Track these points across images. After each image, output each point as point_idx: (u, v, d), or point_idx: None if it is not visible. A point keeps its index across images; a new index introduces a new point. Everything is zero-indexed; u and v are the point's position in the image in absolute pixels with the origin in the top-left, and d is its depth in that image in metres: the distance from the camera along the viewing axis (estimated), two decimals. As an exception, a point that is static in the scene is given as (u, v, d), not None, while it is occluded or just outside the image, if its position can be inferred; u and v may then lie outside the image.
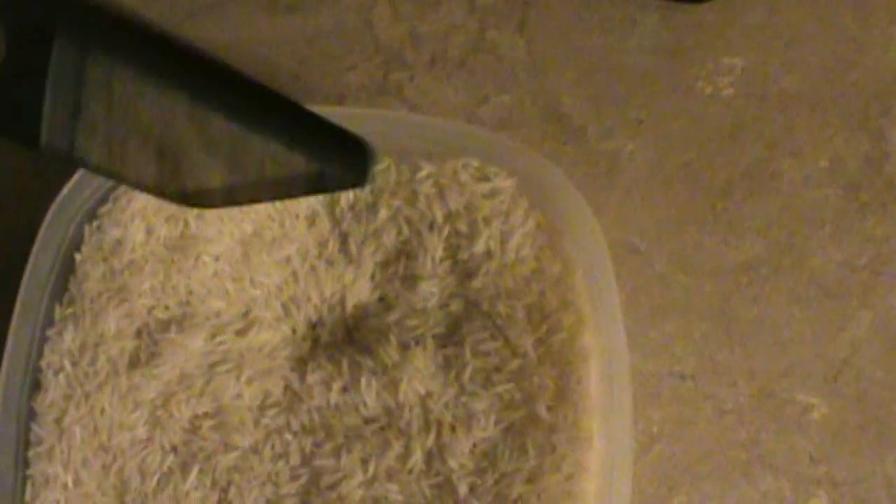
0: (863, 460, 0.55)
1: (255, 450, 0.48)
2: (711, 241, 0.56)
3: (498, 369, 0.49)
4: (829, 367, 0.55)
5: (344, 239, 0.51)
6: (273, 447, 0.48)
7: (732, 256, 0.56)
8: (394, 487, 0.47)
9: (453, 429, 0.48)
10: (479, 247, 0.50)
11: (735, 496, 0.54)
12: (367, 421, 0.49)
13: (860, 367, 0.55)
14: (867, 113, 0.58)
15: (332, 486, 0.48)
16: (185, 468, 0.48)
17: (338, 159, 0.36)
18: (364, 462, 0.48)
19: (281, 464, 0.48)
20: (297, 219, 0.51)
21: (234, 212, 0.50)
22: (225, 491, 0.48)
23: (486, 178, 0.50)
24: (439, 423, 0.48)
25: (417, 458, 0.48)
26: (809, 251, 0.56)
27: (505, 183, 0.50)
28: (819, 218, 0.57)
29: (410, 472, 0.48)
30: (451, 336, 0.50)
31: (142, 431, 0.49)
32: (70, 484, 0.48)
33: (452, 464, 0.48)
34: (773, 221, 0.57)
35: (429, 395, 0.48)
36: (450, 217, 0.50)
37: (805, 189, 0.57)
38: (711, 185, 0.57)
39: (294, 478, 0.48)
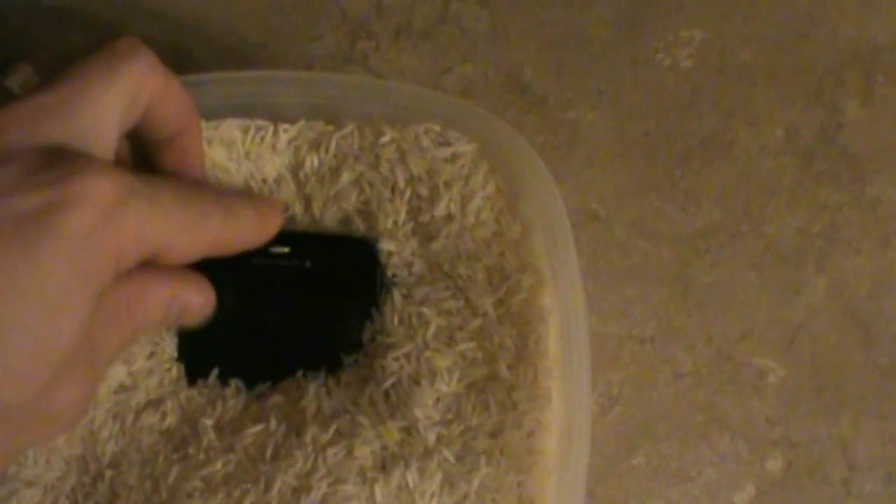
0: (818, 422, 0.56)
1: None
2: (670, 208, 0.57)
3: (460, 328, 0.50)
4: (785, 332, 0.57)
5: (307, 202, 0.51)
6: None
7: (690, 223, 0.57)
8: (364, 421, 0.48)
9: (417, 382, 0.49)
10: (440, 210, 0.51)
11: (693, 456, 0.56)
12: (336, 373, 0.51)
13: (815, 332, 0.57)
14: (822, 85, 0.59)
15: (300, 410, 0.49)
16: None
17: None
18: (329, 394, 0.49)
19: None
20: (264, 183, 0.52)
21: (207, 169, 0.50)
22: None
23: (447, 143, 0.51)
24: (401, 374, 0.49)
25: (382, 405, 0.49)
26: (766, 218, 0.58)
27: (465, 148, 0.51)
28: (775, 186, 0.58)
29: (378, 413, 0.49)
30: (413, 296, 0.50)
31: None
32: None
33: (418, 413, 0.48)
34: (730, 189, 0.58)
35: (391, 346, 0.49)
36: (411, 181, 0.51)
37: (761, 158, 0.58)
38: (670, 153, 0.58)
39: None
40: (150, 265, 0.39)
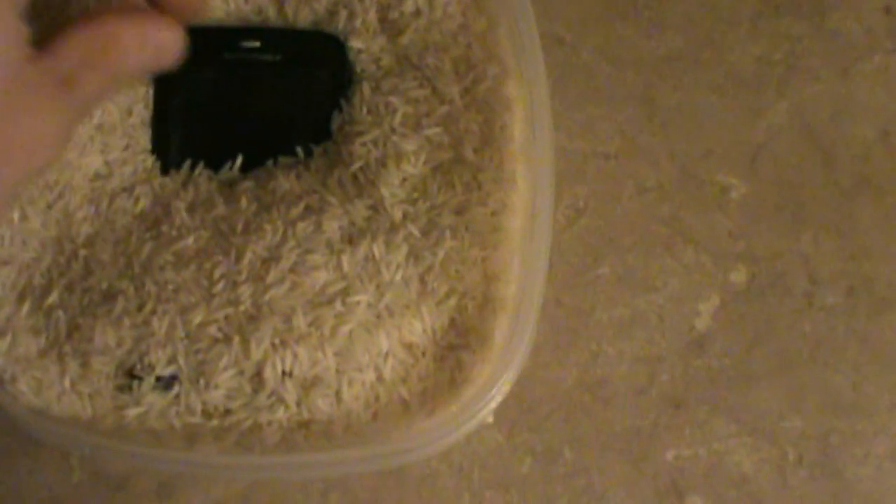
0: (779, 237, 0.57)
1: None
2: (634, 35, 0.59)
3: (427, 115, 0.51)
4: (747, 151, 0.58)
5: (280, 3, 0.53)
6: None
7: (654, 49, 0.59)
8: (333, 199, 0.50)
9: (384, 164, 0.50)
10: (409, 6, 0.52)
11: (658, 267, 0.57)
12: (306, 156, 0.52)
13: (776, 152, 0.58)
14: (784, -75, 0.61)
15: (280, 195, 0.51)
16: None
17: None
18: (298, 178, 0.51)
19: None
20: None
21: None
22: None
23: (415, -59, 0.53)
24: (369, 158, 0.50)
25: (350, 185, 0.50)
26: (728, 46, 0.59)
27: (433, -55, 0.53)
28: (737, 17, 0.60)
29: (346, 192, 0.50)
30: (381, 87, 0.52)
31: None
32: (16, 219, 0.50)
33: (384, 192, 0.50)
34: (692, 18, 0.59)
35: (359, 133, 0.51)
36: (380, -20, 0.53)
37: (724, -10, 0.60)
38: (635, -17, 0.60)
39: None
40: (121, 9, 0.40)
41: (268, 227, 0.50)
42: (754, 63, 0.59)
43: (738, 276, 0.57)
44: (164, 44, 0.41)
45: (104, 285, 0.50)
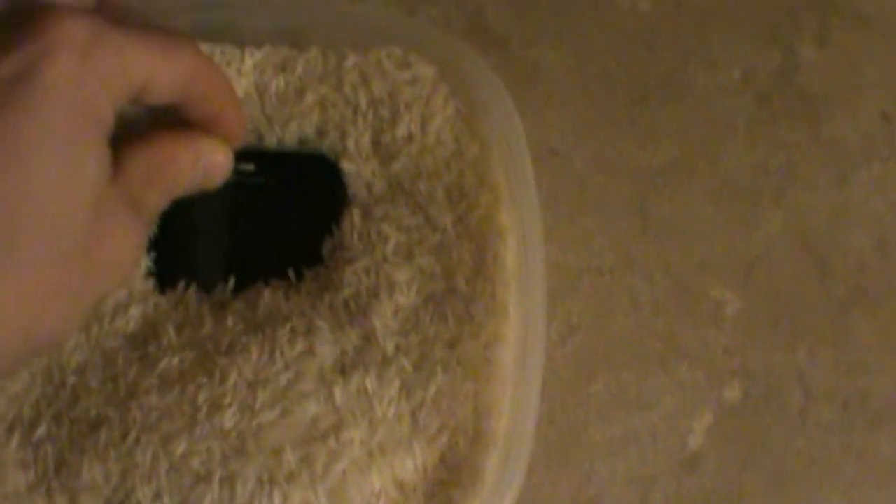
0: (775, 352, 0.57)
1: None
2: (629, 145, 0.59)
3: (419, 243, 0.51)
4: (743, 264, 0.58)
5: (271, 122, 0.53)
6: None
7: (649, 159, 0.59)
8: (323, 324, 0.49)
9: (376, 294, 0.50)
10: (401, 130, 0.52)
11: (652, 384, 0.56)
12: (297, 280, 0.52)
13: (772, 264, 0.58)
14: (779, 28, 0.61)
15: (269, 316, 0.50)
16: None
17: None
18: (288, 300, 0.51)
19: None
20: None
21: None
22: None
23: (408, 66, 0.53)
24: (360, 287, 0.50)
25: (341, 311, 0.50)
26: (723, 155, 0.59)
27: (426, 70, 0.52)
28: (732, 125, 0.59)
29: (338, 319, 0.49)
30: (372, 213, 0.51)
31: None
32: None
33: (377, 323, 0.49)
34: (688, 127, 0.59)
35: (350, 260, 0.50)
36: (373, 103, 0.52)
37: (719, 98, 0.60)
38: (629, 92, 0.59)
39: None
40: (174, 129, 0.42)
41: (254, 347, 0.49)
42: (750, 172, 0.59)
43: (733, 393, 0.56)
44: (215, 164, 0.43)
45: (92, 413, 0.50)
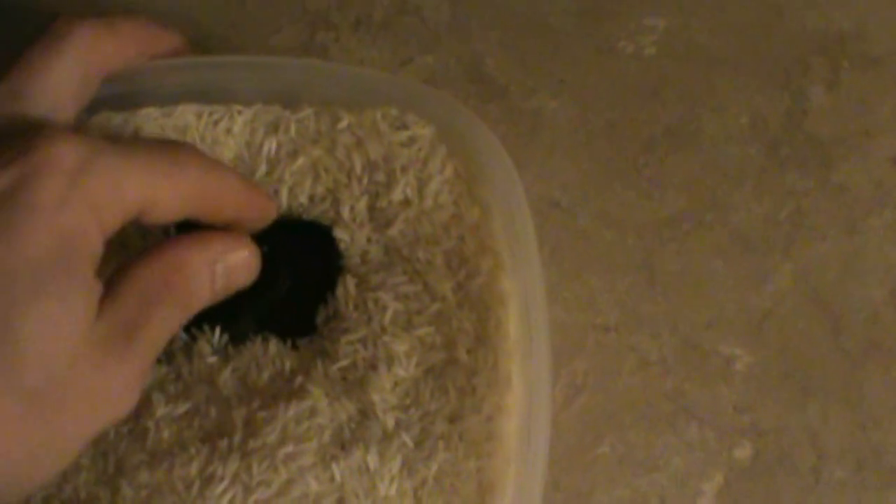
0: (786, 410, 0.55)
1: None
2: (634, 197, 0.57)
3: (418, 313, 0.49)
4: (752, 319, 0.56)
5: (263, 186, 0.51)
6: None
7: (655, 211, 0.57)
8: (319, 393, 0.48)
9: (374, 367, 0.48)
10: (397, 195, 0.51)
11: (660, 445, 0.55)
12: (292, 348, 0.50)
13: (782, 318, 0.56)
14: (788, 74, 0.59)
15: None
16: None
17: None
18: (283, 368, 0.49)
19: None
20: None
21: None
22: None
23: (404, 127, 0.51)
24: (357, 359, 0.48)
25: (338, 382, 0.48)
26: (732, 206, 0.57)
27: (423, 131, 0.51)
28: (741, 174, 0.58)
29: (334, 390, 0.48)
30: (369, 281, 0.50)
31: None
32: None
33: (375, 398, 0.48)
34: (695, 177, 0.57)
35: (346, 330, 0.49)
36: (368, 166, 0.51)
37: (727, 145, 0.58)
38: (634, 141, 0.58)
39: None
40: (184, 235, 0.39)
41: (249, 418, 0.48)
42: (759, 223, 0.57)
43: (743, 453, 0.55)
44: (238, 263, 0.41)
45: (83, 494, 0.48)
